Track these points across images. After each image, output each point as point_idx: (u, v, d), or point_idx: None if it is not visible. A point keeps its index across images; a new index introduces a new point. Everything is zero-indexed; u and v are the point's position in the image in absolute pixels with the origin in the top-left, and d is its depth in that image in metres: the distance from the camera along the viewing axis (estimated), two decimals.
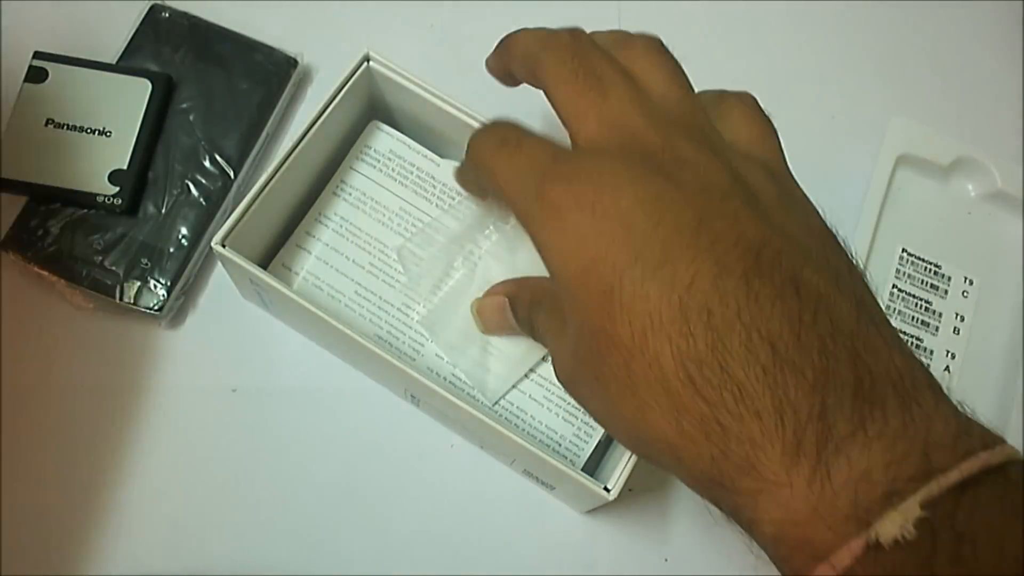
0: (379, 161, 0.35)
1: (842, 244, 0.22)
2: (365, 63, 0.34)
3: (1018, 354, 0.40)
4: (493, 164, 0.25)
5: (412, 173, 0.35)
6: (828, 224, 0.23)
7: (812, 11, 0.47)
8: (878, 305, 0.21)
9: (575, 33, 0.26)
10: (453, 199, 0.35)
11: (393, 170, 0.35)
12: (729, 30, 0.46)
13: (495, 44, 0.30)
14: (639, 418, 0.20)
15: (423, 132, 0.37)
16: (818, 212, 0.23)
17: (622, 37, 0.26)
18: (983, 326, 0.40)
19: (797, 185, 0.24)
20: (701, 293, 0.19)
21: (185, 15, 0.39)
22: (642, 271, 0.20)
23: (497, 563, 0.35)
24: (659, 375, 0.19)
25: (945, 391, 0.19)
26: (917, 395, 0.18)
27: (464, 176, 0.32)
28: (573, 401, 0.31)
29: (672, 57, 0.25)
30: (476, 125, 0.33)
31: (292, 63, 0.40)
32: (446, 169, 0.35)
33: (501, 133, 0.25)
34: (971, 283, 0.41)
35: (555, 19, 0.45)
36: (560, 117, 0.24)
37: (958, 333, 0.40)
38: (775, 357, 0.18)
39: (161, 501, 0.35)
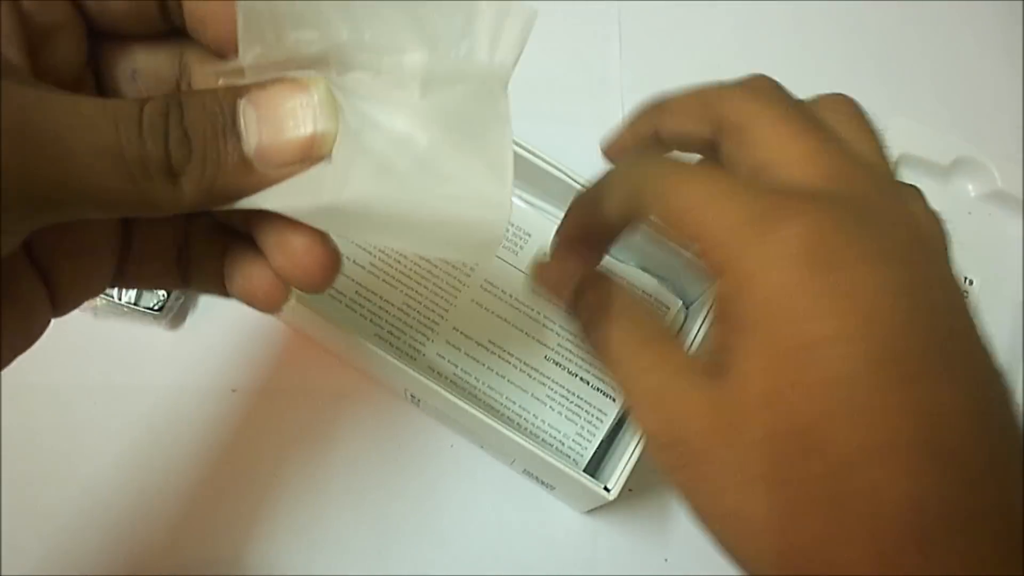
0: None
1: None
2: None
3: (1018, 354, 0.40)
4: (674, 184, 0.20)
5: None
6: None
7: (812, 11, 0.47)
8: None
9: (770, 79, 0.22)
10: None
11: None
12: (729, 30, 0.46)
13: (629, 118, 0.25)
14: (809, 548, 0.16)
15: None
16: None
17: (818, 97, 0.23)
18: (984, 326, 0.40)
19: None
20: (953, 432, 0.16)
21: None
22: (885, 380, 0.16)
23: (497, 563, 0.35)
24: (881, 509, 0.16)
25: None
26: None
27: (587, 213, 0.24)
28: (574, 399, 0.31)
29: (873, 123, 0.22)
30: None
31: None
32: None
33: (671, 162, 0.21)
34: (971, 283, 0.41)
35: (555, 19, 0.45)
36: (760, 158, 0.20)
37: None
38: None
39: (161, 501, 0.35)
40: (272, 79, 0.18)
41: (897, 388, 0.16)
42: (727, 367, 0.18)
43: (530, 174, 0.34)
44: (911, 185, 0.21)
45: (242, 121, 0.17)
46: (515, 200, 0.36)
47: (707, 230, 0.19)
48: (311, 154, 0.17)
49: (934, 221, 0.20)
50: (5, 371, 0.37)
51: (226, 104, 0.17)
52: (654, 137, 0.25)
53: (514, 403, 0.33)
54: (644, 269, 0.36)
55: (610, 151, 0.27)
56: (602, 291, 0.22)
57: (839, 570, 0.16)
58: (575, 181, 0.32)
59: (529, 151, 0.33)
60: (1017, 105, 0.46)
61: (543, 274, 0.24)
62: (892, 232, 0.18)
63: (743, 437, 0.17)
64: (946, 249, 0.19)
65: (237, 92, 0.17)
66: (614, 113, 0.43)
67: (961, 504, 0.16)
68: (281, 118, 0.17)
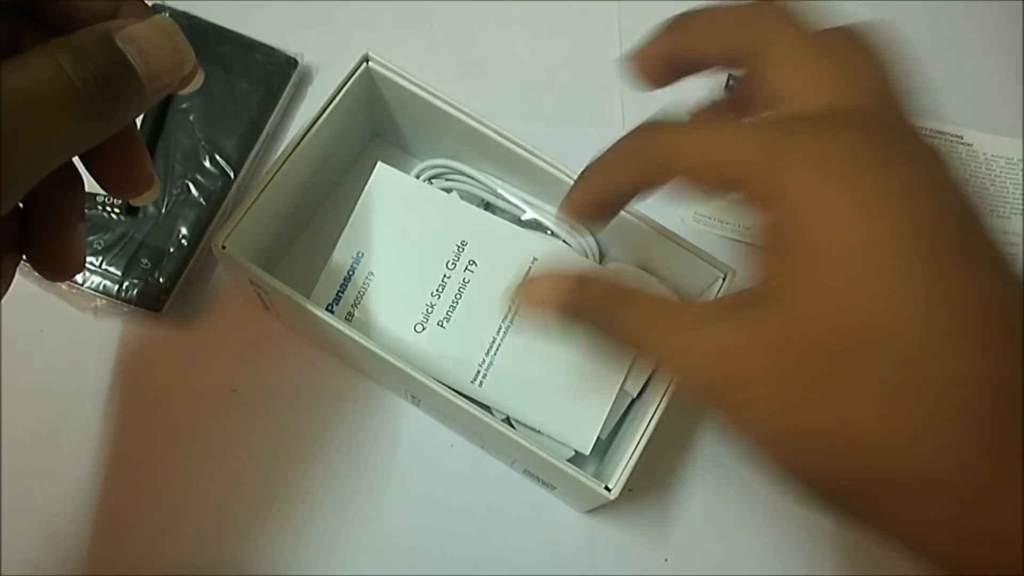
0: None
1: None
2: (364, 63, 0.34)
3: None
4: (701, 138, 0.20)
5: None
6: None
7: (811, 11, 0.47)
8: None
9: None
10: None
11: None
12: None
13: (657, 29, 0.24)
14: (906, 442, 0.16)
15: (422, 132, 0.37)
16: None
17: (835, 28, 0.23)
18: None
19: None
20: (1002, 311, 0.16)
21: (185, 15, 0.39)
22: (929, 272, 0.17)
23: (497, 563, 0.35)
24: (949, 391, 0.16)
25: None
26: None
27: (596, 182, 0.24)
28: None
29: (884, 52, 0.22)
30: (474, 124, 0.33)
31: (292, 63, 0.40)
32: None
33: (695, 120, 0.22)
34: None
35: (555, 19, 0.45)
36: (779, 88, 0.21)
37: None
38: None
39: (161, 501, 0.35)
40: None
41: (942, 278, 0.16)
42: (777, 292, 0.18)
43: (530, 174, 0.34)
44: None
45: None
46: (513, 199, 0.36)
47: (743, 167, 0.19)
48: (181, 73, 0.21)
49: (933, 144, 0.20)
50: (5, 371, 0.37)
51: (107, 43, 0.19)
52: (673, 59, 0.24)
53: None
54: (644, 268, 0.36)
55: (634, 66, 0.25)
56: (602, 283, 0.23)
57: (910, 459, 0.16)
58: (574, 181, 0.32)
59: (529, 151, 0.33)
60: (1017, 105, 0.46)
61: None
62: (909, 141, 0.19)
63: (803, 350, 0.17)
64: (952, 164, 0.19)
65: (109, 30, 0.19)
66: (614, 113, 0.43)
67: None
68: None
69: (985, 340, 0.16)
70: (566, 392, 0.33)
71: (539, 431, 0.33)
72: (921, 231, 0.17)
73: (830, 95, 0.20)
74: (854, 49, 0.21)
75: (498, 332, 0.33)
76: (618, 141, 0.23)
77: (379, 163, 0.34)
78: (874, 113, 0.19)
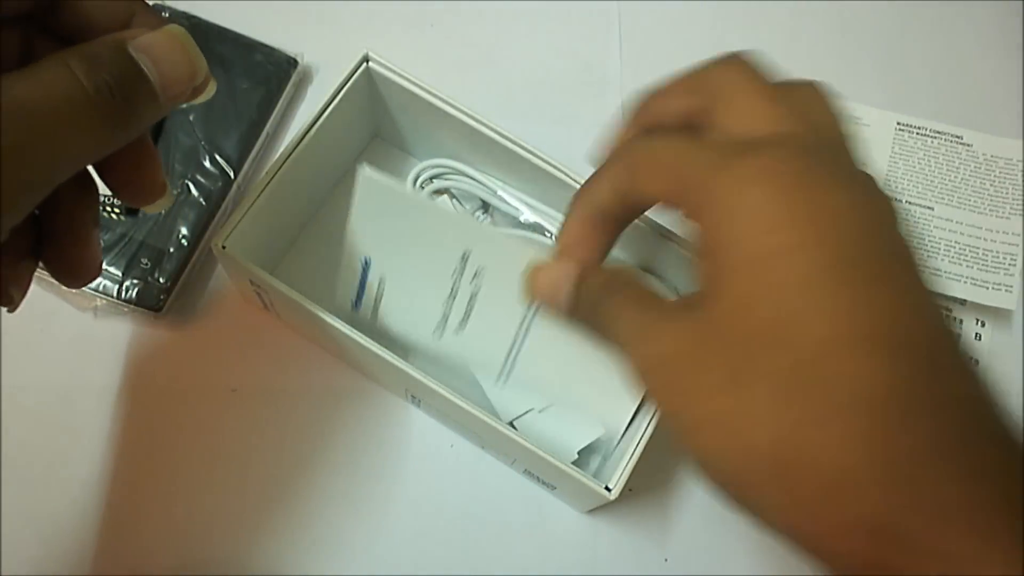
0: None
1: None
2: (364, 63, 0.34)
3: (1018, 343, 0.40)
4: (666, 144, 0.22)
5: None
6: None
7: (812, 11, 0.47)
8: None
9: (749, 56, 0.24)
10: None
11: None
12: (728, 30, 0.46)
13: (625, 117, 0.26)
14: (795, 434, 0.18)
15: (422, 132, 0.37)
16: None
17: (791, 80, 0.24)
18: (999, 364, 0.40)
19: None
20: (909, 326, 0.18)
21: (185, 15, 0.39)
22: (843, 282, 0.18)
23: (497, 563, 0.35)
24: (837, 389, 0.17)
25: None
26: None
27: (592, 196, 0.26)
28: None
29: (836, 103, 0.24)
30: (474, 124, 0.33)
31: (292, 63, 0.40)
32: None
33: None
34: (983, 324, 0.40)
35: (555, 19, 0.45)
36: (742, 124, 0.22)
37: None
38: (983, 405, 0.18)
39: (161, 501, 0.35)
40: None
41: (853, 288, 0.18)
42: (709, 295, 0.20)
43: (530, 174, 0.34)
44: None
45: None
46: (513, 200, 0.36)
47: (684, 179, 0.21)
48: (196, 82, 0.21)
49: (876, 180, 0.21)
50: (5, 371, 0.37)
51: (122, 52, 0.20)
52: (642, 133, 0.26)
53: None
54: (645, 269, 0.36)
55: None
56: (602, 275, 0.24)
57: (812, 455, 0.17)
58: (575, 181, 0.32)
59: (529, 151, 0.33)
60: (1017, 105, 0.46)
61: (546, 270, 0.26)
62: (845, 166, 0.20)
63: (721, 344, 0.19)
64: (890, 201, 0.20)
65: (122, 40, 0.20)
66: (614, 113, 0.43)
67: (926, 390, 0.17)
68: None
69: (883, 348, 0.17)
70: (593, 380, 0.32)
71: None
72: (841, 243, 0.18)
73: (775, 126, 0.21)
74: (804, 95, 0.23)
75: (517, 334, 0.32)
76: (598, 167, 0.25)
77: (362, 167, 0.30)
78: (815, 140, 0.21)
